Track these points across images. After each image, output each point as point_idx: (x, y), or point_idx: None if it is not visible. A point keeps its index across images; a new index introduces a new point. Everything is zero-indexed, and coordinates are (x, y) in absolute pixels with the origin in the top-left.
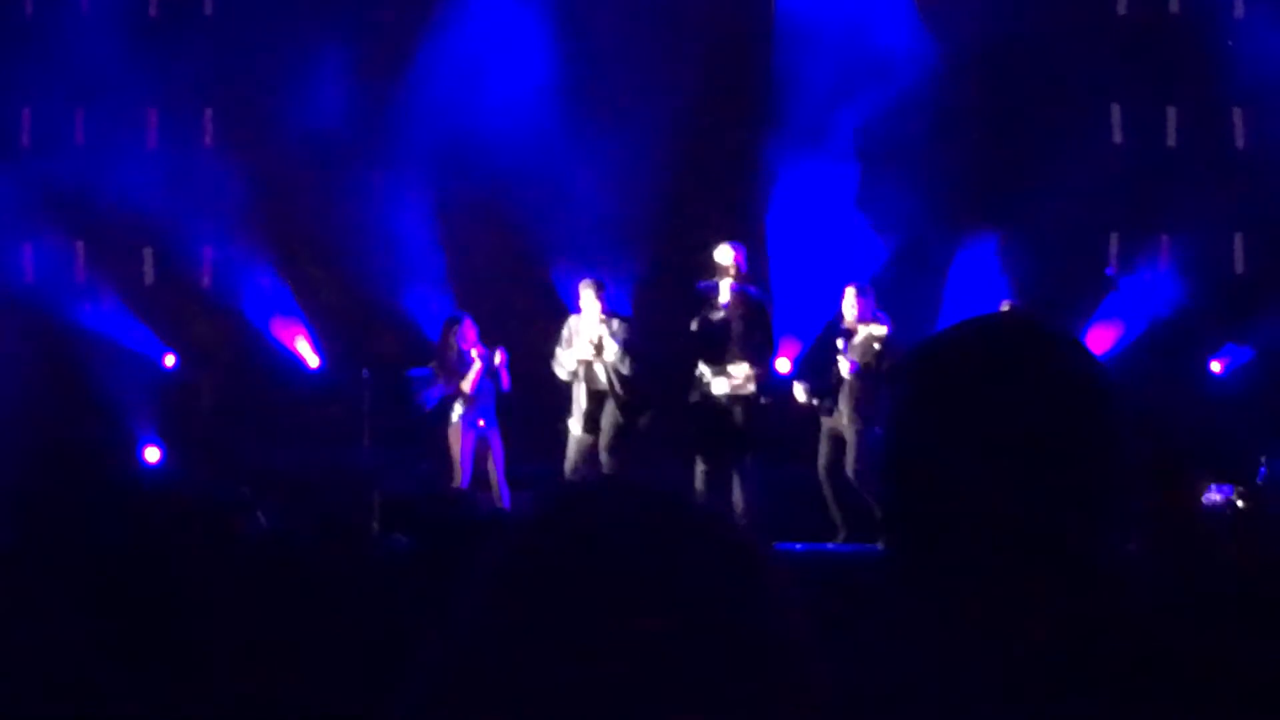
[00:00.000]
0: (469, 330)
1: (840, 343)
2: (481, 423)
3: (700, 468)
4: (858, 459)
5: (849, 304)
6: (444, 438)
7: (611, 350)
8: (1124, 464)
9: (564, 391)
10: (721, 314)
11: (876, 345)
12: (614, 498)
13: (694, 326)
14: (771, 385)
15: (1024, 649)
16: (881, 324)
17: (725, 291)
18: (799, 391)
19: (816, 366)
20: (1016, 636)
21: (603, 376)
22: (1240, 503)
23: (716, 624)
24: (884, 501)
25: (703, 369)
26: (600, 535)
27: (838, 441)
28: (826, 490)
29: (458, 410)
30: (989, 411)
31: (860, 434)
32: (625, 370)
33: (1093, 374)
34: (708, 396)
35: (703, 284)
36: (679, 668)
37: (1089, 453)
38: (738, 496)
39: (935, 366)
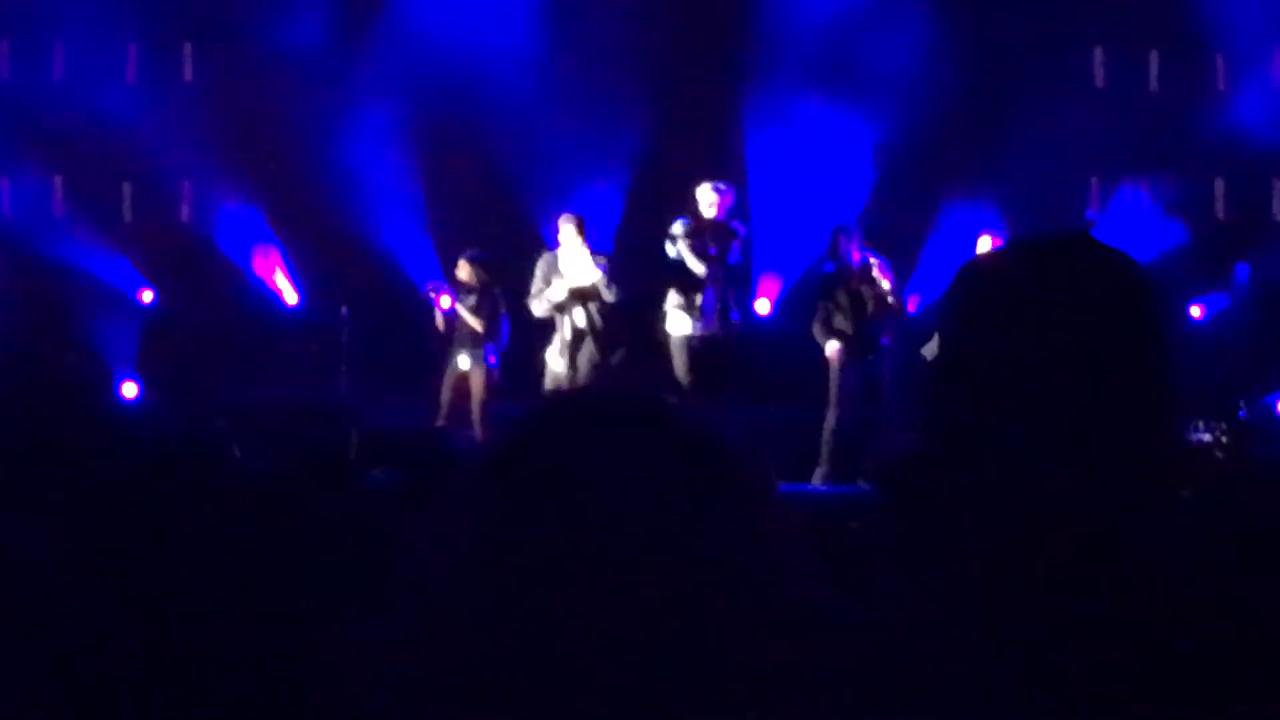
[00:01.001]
0: (469, 271)
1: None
2: (463, 364)
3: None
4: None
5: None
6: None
7: (598, 278)
8: (1176, 379)
9: (540, 329)
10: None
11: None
12: (594, 413)
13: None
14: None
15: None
16: (874, 260)
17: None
18: (831, 348)
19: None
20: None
21: (582, 317)
22: (1224, 440)
23: (711, 557)
24: (929, 413)
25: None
26: (578, 456)
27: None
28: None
29: (460, 354)
30: (1049, 321)
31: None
32: (603, 304)
33: (1149, 289)
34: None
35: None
36: (667, 606)
37: (1146, 364)
38: None
39: (994, 277)
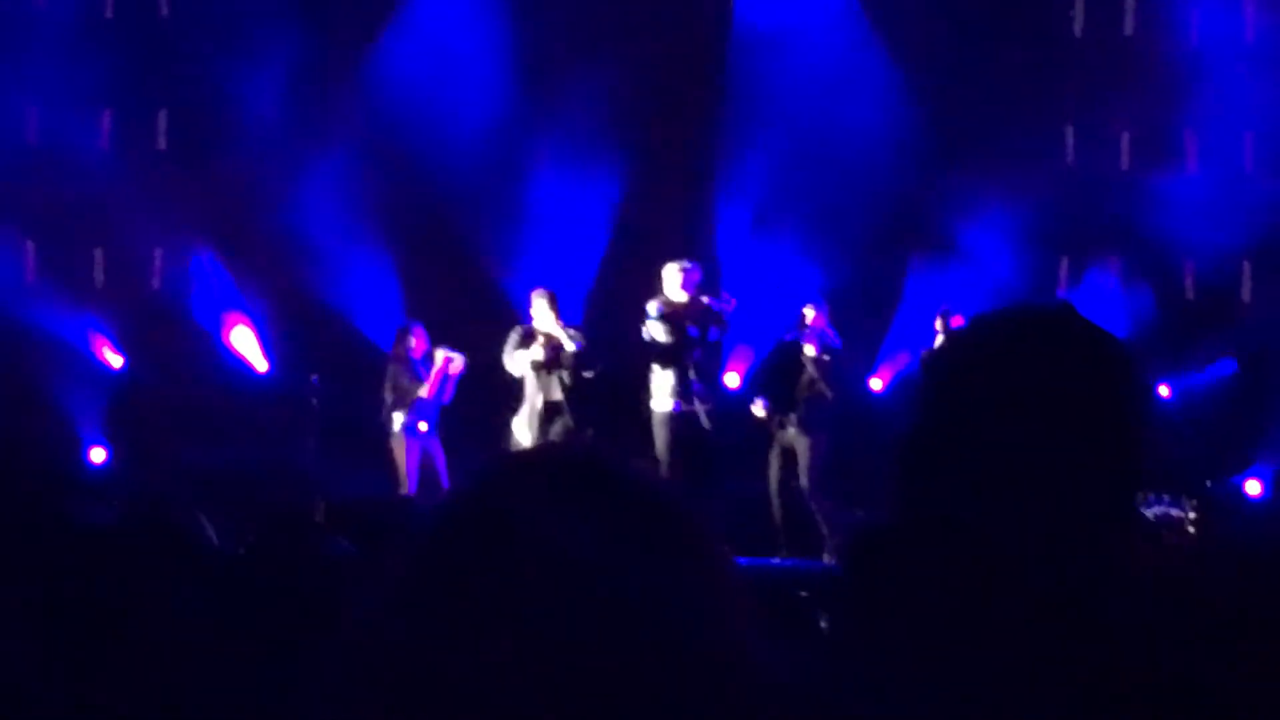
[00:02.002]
0: (419, 339)
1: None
2: (424, 427)
3: None
4: (810, 469)
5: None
6: (387, 448)
7: (570, 348)
8: (1148, 453)
9: (508, 399)
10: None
11: (825, 359)
12: (543, 468)
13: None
14: (724, 400)
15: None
16: (830, 341)
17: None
18: (757, 408)
19: (766, 383)
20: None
21: (557, 390)
22: (1192, 516)
23: (657, 608)
24: (898, 481)
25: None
26: (526, 514)
27: (789, 455)
28: (775, 506)
29: (398, 419)
30: (1027, 392)
31: (812, 446)
32: (576, 377)
33: (1126, 362)
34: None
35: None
36: (612, 657)
37: (1120, 438)
38: None
39: (974, 346)
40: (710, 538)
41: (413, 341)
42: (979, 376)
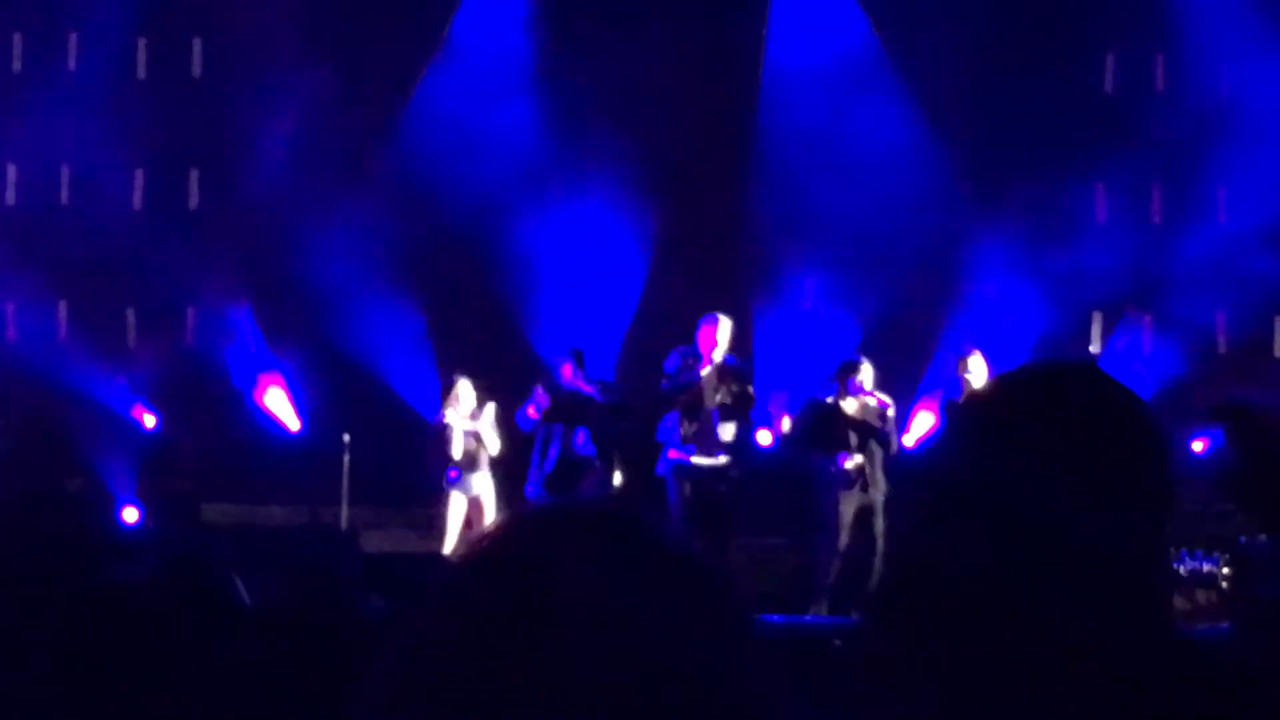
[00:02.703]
0: (469, 391)
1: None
2: (475, 488)
3: None
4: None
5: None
6: (442, 504)
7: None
8: (1171, 518)
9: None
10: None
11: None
12: (569, 527)
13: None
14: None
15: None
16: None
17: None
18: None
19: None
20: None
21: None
22: (1226, 571)
23: (680, 666)
24: (924, 533)
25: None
26: (548, 570)
27: (865, 513)
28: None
29: (454, 476)
30: (1052, 450)
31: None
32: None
33: (1154, 428)
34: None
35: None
36: (635, 715)
37: (1147, 497)
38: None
39: (1000, 402)
40: (735, 595)
41: (460, 394)
42: (1004, 433)
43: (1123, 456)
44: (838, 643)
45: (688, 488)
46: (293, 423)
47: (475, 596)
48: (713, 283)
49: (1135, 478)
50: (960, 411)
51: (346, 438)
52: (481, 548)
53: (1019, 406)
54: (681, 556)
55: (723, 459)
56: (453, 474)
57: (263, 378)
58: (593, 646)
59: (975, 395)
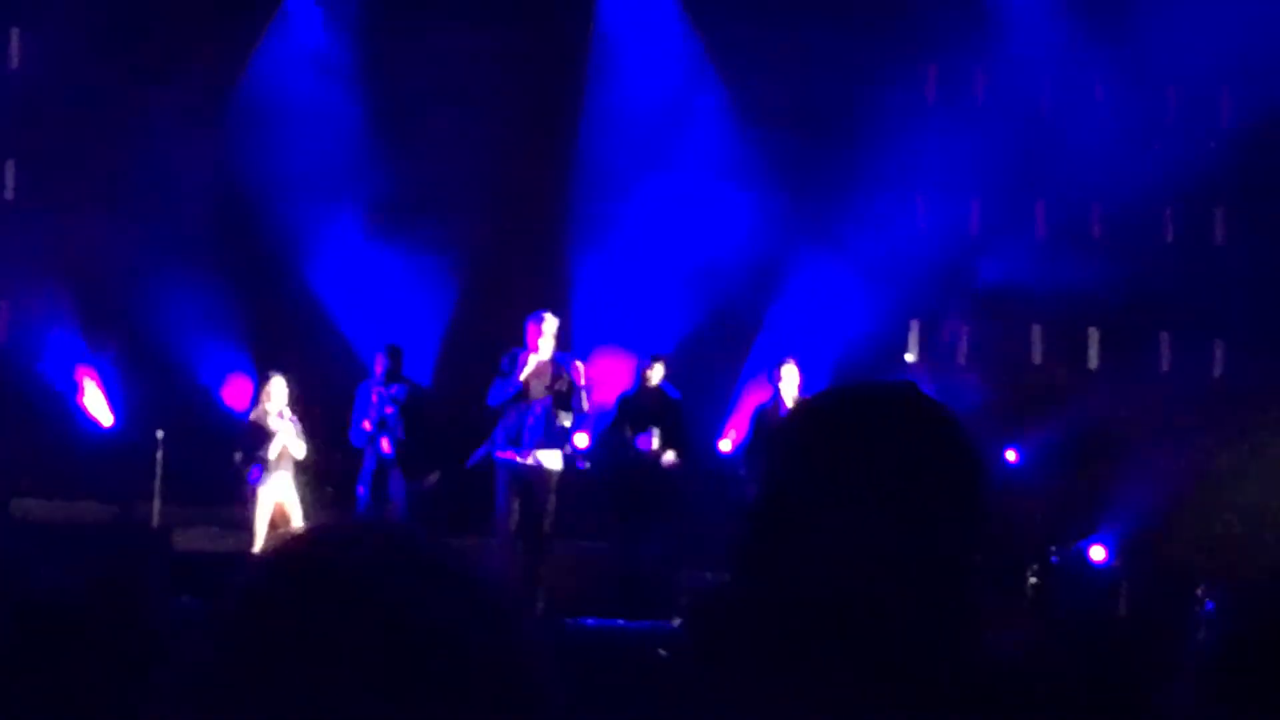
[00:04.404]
0: (280, 390)
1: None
2: (279, 486)
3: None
4: None
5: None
6: (246, 503)
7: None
8: (988, 536)
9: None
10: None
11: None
12: (349, 539)
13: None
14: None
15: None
16: (670, 394)
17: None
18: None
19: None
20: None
21: (386, 444)
22: (1034, 581)
23: (448, 665)
24: (743, 545)
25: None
26: (330, 577)
27: None
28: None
29: (256, 472)
30: (871, 467)
31: None
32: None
33: (966, 446)
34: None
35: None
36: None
37: (959, 517)
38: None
39: (820, 421)
40: (499, 596)
41: (273, 392)
42: (823, 451)
43: (935, 475)
44: (663, 652)
45: (514, 485)
46: (106, 418)
47: (269, 601)
48: (538, 278)
49: (946, 496)
50: (778, 429)
51: (160, 434)
52: (278, 556)
53: (834, 425)
54: (443, 564)
55: (550, 457)
56: (255, 472)
57: (77, 371)
58: (367, 633)
59: (793, 413)
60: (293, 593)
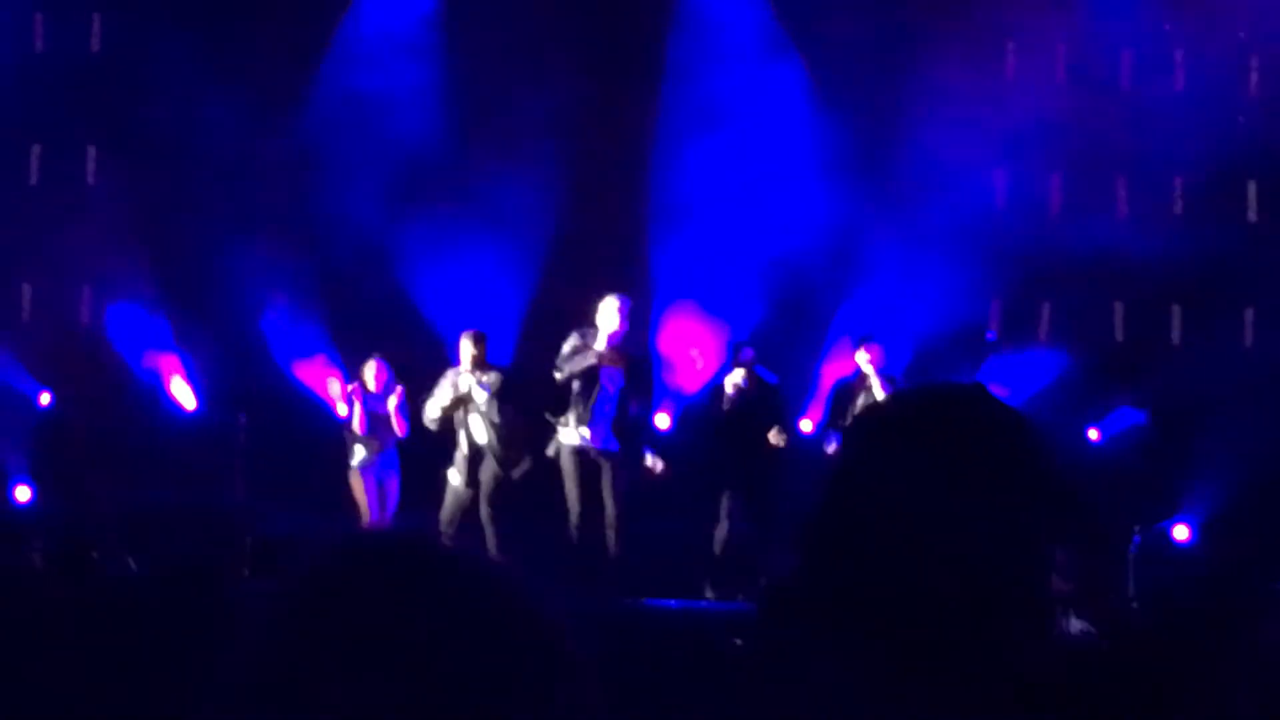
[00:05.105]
0: (380, 372)
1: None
2: (381, 468)
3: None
4: None
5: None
6: (346, 483)
7: (481, 397)
8: (1060, 528)
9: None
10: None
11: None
12: (371, 554)
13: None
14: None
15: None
16: (767, 378)
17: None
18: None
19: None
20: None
21: (480, 431)
22: (1117, 561)
23: (486, 685)
24: (811, 545)
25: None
26: (358, 596)
27: None
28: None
29: (358, 454)
30: (939, 467)
31: None
32: (496, 419)
33: (1037, 444)
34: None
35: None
36: None
37: (1026, 511)
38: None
39: (889, 422)
40: (535, 611)
41: (371, 375)
42: (893, 451)
43: (1003, 474)
44: (738, 641)
45: (581, 469)
46: (189, 402)
47: (291, 624)
48: (611, 265)
49: (1015, 493)
50: (855, 424)
51: (243, 418)
52: (298, 573)
53: (903, 426)
54: (474, 577)
55: (613, 442)
56: (359, 453)
57: (159, 356)
58: (395, 669)
59: (863, 414)
60: (338, 590)
